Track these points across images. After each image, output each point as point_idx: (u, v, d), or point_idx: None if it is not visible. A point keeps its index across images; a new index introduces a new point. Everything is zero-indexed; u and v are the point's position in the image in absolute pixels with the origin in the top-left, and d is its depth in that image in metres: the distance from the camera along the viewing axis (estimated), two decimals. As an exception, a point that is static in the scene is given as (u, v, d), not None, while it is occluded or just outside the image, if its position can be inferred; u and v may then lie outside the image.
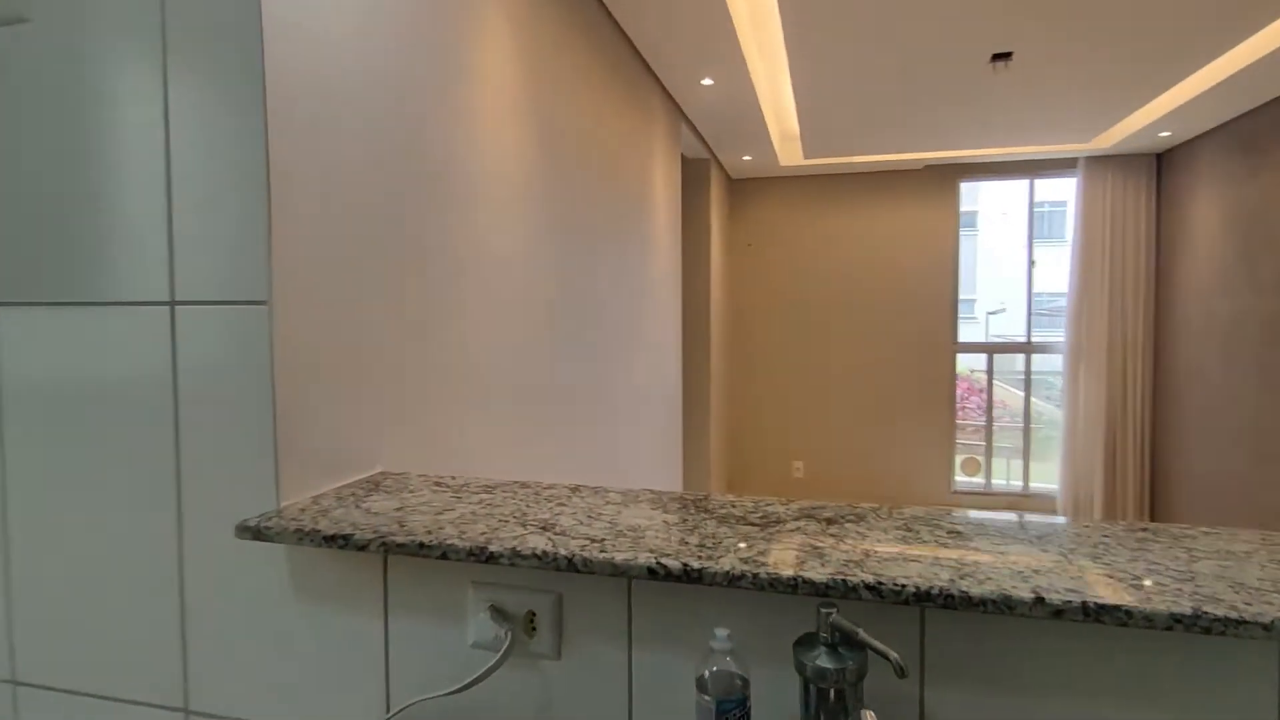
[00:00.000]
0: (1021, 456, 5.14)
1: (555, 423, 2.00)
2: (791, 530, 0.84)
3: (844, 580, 0.70)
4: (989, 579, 0.69)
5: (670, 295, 3.60)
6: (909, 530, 0.84)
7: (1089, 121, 3.96)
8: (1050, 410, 5.52)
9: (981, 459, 5.17)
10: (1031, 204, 5.02)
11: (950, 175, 4.99)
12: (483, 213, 1.57)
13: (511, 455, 1.72)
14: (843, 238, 5.22)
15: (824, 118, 3.77)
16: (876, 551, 0.77)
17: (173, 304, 0.95)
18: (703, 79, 3.09)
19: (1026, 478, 5.11)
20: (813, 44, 2.77)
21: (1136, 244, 4.57)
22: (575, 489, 1.04)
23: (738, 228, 5.40)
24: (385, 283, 1.18)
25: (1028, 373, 5.14)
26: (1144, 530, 0.85)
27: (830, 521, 0.88)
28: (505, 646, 0.83)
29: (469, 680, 0.82)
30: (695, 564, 0.74)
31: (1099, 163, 4.60)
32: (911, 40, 2.72)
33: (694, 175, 4.34)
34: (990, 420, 5.20)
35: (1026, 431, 5.14)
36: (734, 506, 0.93)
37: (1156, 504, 4.61)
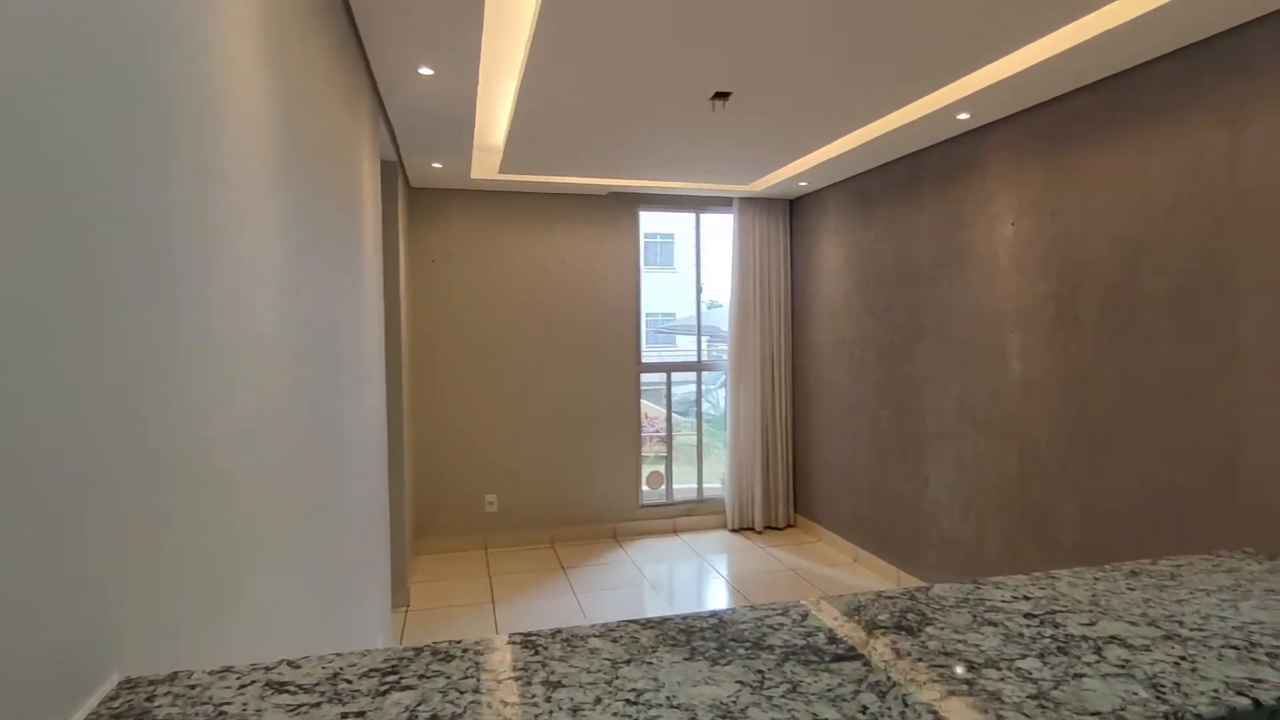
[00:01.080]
0: (696, 463, 5.63)
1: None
2: None
3: None
4: None
5: (378, 322, 3.03)
6: None
7: (756, 168, 4.52)
8: (718, 417, 6.19)
9: (663, 471, 5.53)
10: (698, 235, 5.56)
11: (631, 203, 5.25)
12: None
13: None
14: (532, 258, 5.11)
15: (537, 134, 3.60)
16: None
17: None
18: (422, 66, 2.66)
19: (700, 484, 5.61)
20: (556, 57, 2.57)
21: (779, 274, 5.38)
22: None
23: (417, 243, 4.91)
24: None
25: (699, 388, 5.67)
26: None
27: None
28: None
29: None
30: None
31: (749, 203, 5.31)
32: (647, 71, 2.71)
33: (385, 182, 3.78)
34: (670, 434, 5.60)
35: (699, 442, 5.65)
36: None
37: (798, 493, 5.45)
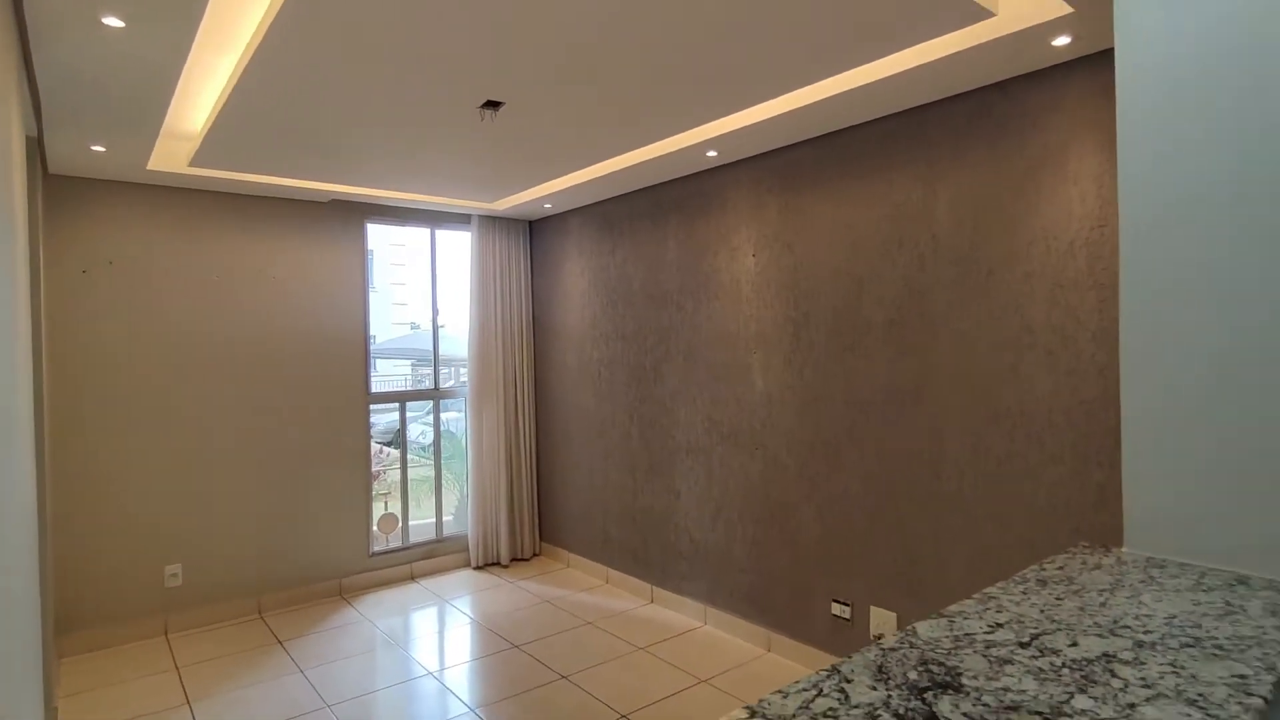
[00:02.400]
0: (434, 500, 5.20)
1: None
2: None
3: None
4: None
5: (24, 352, 2.21)
6: None
7: (503, 187, 4.34)
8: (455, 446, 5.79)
9: (398, 513, 5.00)
10: (434, 253, 5.17)
11: (357, 214, 4.69)
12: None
13: None
14: (232, 272, 4.26)
15: (252, 124, 2.98)
16: None
17: None
18: (107, 15, 2.01)
19: (439, 524, 5.19)
20: (304, 35, 2.13)
21: (520, 296, 5.25)
22: None
23: (62, 249, 3.77)
24: None
25: (436, 417, 5.26)
26: None
27: None
28: None
29: None
30: None
31: (489, 221, 5.10)
32: (413, 65, 2.40)
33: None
34: (405, 471, 5.08)
35: (438, 477, 5.23)
36: None
37: (544, 521, 5.35)
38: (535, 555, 5.34)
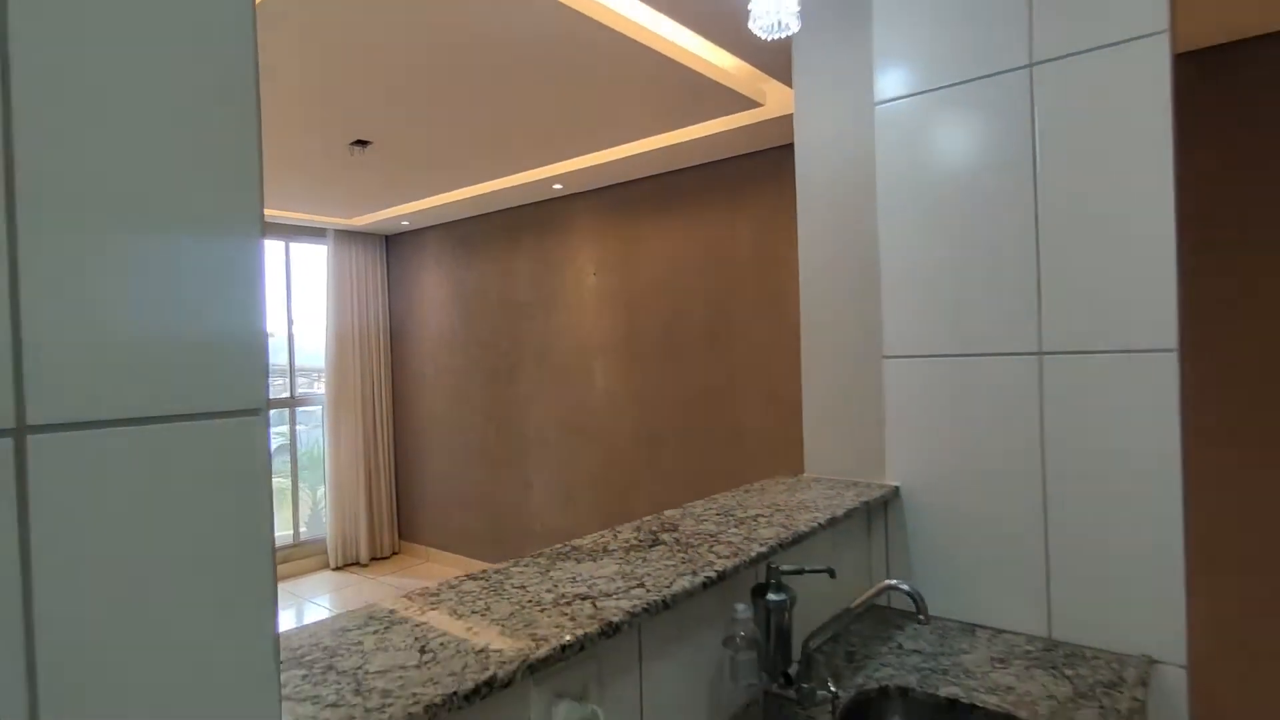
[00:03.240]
0: (290, 506, 5.32)
1: None
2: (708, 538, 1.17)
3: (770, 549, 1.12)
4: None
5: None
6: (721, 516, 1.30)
7: (359, 206, 4.63)
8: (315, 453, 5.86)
9: (253, 517, 5.07)
10: (288, 265, 5.31)
11: (210, 226, 4.76)
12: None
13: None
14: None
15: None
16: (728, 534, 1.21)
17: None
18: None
19: (296, 526, 5.31)
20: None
21: (376, 307, 5.51)
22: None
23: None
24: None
25: (292, 425, 5.38)
26: (780, 484, 1.55)
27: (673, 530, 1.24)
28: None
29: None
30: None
31: (345, 235, 5.33)
32: (285, 112, 2.75)
33: None
34: (261, 476, 5.16)
35: (294, 482, 5.35)
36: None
37: (403, 519, 5.62)
38: (395, 553, 5.59)
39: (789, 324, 3.41)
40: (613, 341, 4.15)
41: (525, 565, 1.06)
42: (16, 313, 0.34)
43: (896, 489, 1.57)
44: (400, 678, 0.69)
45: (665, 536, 1.23)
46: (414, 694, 0.66)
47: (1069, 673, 1.24)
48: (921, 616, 1.10)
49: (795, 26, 1.37)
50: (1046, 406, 1.40)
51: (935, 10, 1.50)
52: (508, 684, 0.71)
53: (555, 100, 2.77)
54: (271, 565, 0.44)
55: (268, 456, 0.44)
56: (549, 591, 0.94)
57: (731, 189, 3.62)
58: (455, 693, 0.66)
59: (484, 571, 1.04)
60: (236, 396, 0.42)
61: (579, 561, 1.07)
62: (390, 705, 0.64)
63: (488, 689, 0.69)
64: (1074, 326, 1.36)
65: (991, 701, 1.16)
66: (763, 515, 1.37)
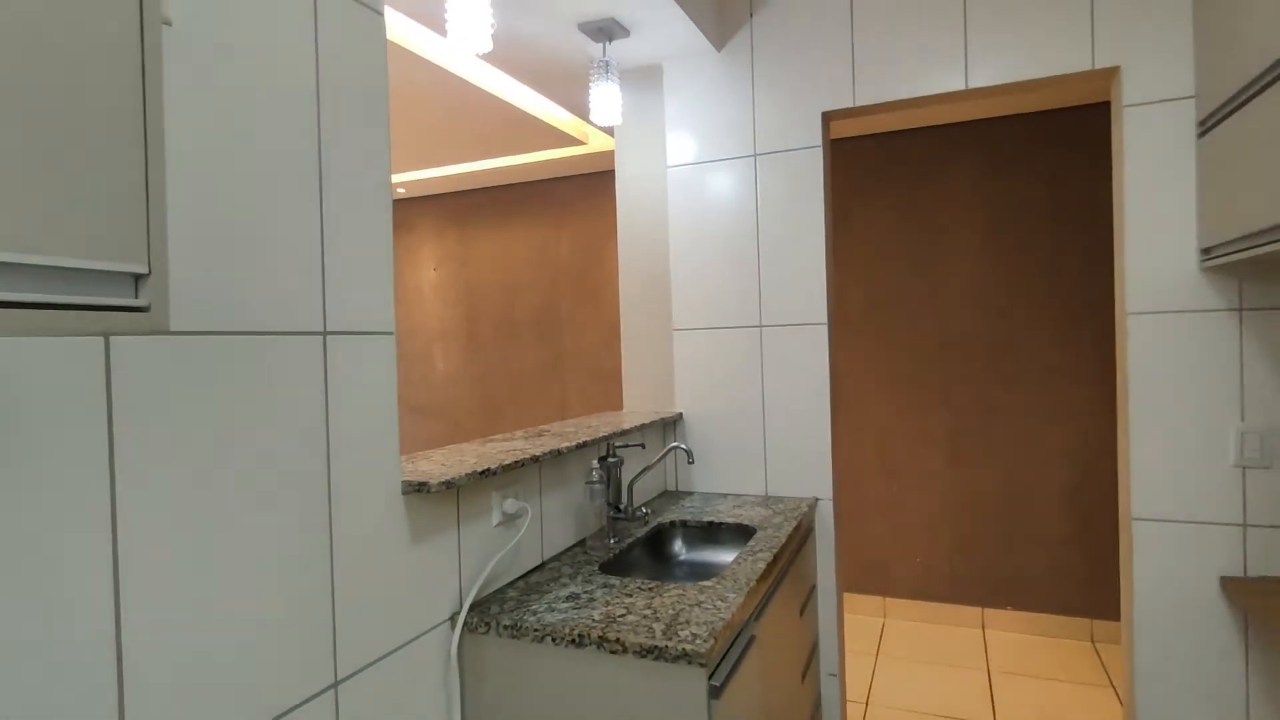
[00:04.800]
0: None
1: None
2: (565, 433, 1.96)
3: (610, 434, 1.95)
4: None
5: None
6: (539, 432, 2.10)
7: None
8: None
9: None
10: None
11: None
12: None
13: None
14: None
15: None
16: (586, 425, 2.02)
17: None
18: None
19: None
20: None
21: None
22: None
23: None
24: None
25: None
26: (610, 410, 2.38)
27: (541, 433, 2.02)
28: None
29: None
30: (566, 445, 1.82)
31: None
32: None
33: None
34: None
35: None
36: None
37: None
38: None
39: (605, 314, 4.27)
40: (451, 329, 4.74)
41: (468, 444, 1.77)
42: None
43: (680, 414, 2.46)
44: (440, 470, 1.40)
45: (547, 432, 1.99)
46: (455, 476, 1.37)
47: (776, 507, 2.19)
48: (691, 461, 1.96)
49: (619, 120, 2.19)
50: (765, 359, 2.35)
51: (701, 119, 2.41)
52: (480, 477, 1.45)
53: (396, 127, 3.36)
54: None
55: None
56: (487, 449, 1.66)
57: (558, 204, 4.40)
58: (460, 474, 1.39)
59: (447, 447, 1.74)
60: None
61: (505, 440, 1.80)
62: (447, 473, 1.34)
63: (474, 478, 1.42)
64: (778, 309, 2.33)
65: (731, 521, 2.07)
66: (604, 424, 2.18)
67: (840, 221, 3.59)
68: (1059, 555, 3.29)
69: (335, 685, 1.11)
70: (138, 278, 0.57)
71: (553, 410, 4.45)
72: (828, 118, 2.28)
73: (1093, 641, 3.23)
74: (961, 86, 2.09)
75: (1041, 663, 3.04)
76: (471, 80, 2.82)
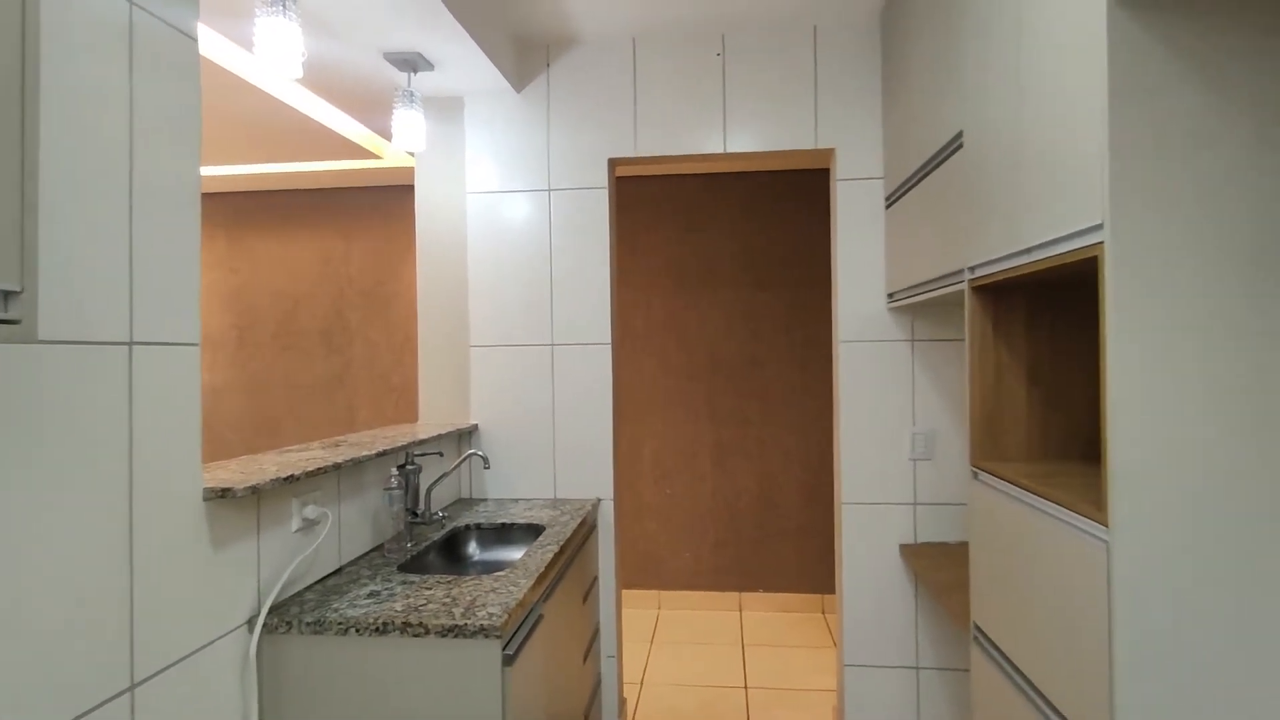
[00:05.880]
0: None
1: None
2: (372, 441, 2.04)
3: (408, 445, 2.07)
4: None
5: None
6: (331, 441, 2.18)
7: None
8: None
9: None
10: None
11: None
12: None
13: None
14: None
15: None
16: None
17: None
18: None
19: None
20: None
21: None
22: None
23: None
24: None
25: None
26: (407, 422, 2.47)
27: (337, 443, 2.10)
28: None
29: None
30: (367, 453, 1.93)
31: None
32: None
33: None
34: None
35: None
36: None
37: None
38: None
39: (398, 327, 4.25)
40: (220, 337, 4.39)
41: (264, 454, 1.78)
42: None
43: (476, 425, 2.61)
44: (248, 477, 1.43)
45: (344, 442, 2.04)
46: (260, 482, 1.41)
47: (563, 508, 2.42)
48: (487, 466, 2.13)
49: (423, 147, 2.31)
50: (556, 375, 2.59)
51: (501, 151, 2.60)
52: (284, 484, 1.51)
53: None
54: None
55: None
56: (285, 458, 1.70)
57: (348, 214, 4.30)
58: (265, 480, 1.44)
59: (241, 457, 1.73)
60: None
61: (302, 450, 1.83)
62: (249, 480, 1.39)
63: (278, 484, 1.48)
64: (568, 329, 2.58)
65: (523, 522, 2.26)
66: (403, 434, 2.26)
67: (627, 251, 3.98)
68: (799, 542, 3.92)
69: (132, 689, 1.13)
70: (7, 294, 0.65)
71: (339, 424, 4.30)
72: (613, 163, 2.60)
73: (823, 613, 3.88)
74: (721, 150, 2.52)
75: (784, 634, 3.60)
76: (250, 80, 2.74)
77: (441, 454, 2.16)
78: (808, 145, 2.49)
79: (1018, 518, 1.34)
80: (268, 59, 1.52)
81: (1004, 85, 1.38)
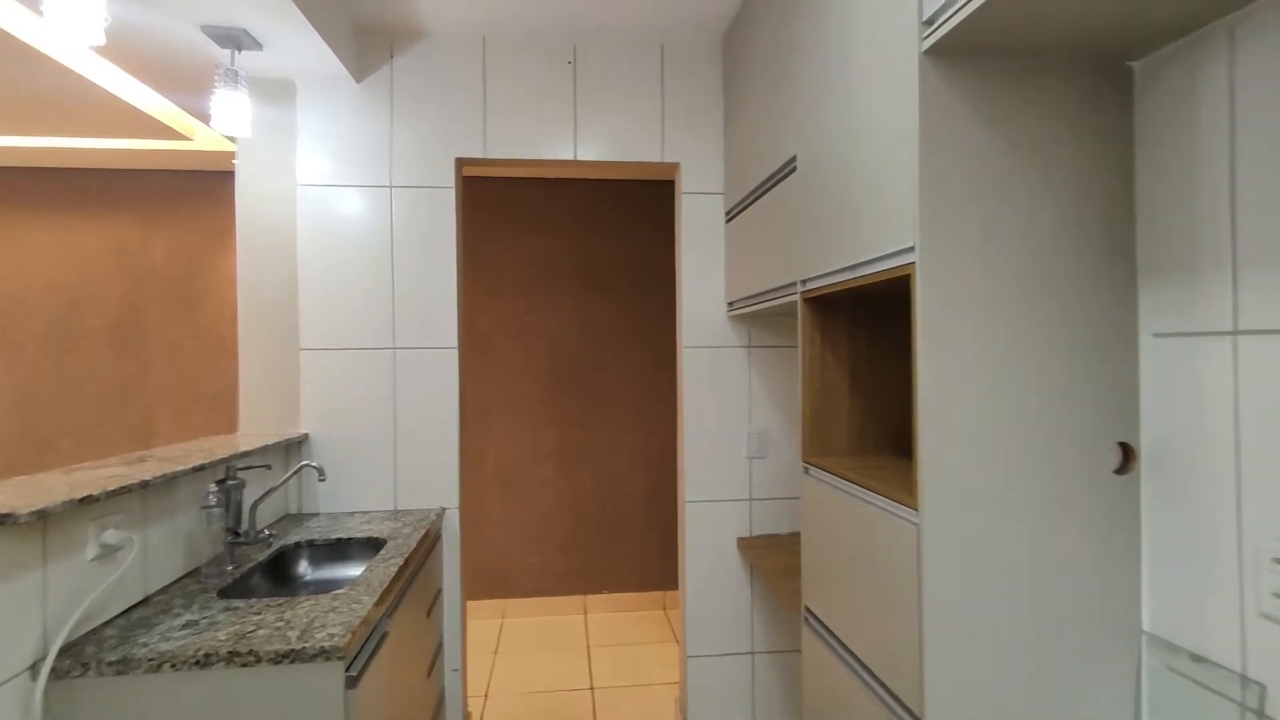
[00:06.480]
0: None
1: None
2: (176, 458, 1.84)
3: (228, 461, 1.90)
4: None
5: None
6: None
7: None
8: None
9: None
10: None
11: None
12: None
13: None
14: None
15: None
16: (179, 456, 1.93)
17: None
18: None
19: None
20: None
21: None
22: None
23: None
24: None
25: None
26: (225, 432, 2.24)
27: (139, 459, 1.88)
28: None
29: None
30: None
31: None
32: None
33: None
34: None
35: None
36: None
37: None
38: None
39: (209, 329, 3.83)
40: (-22, 338, 3.72)
41: (48, 474, 1.54)
42: None
43: (307, 435, 2.43)
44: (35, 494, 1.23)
45: (150, 457, 1.81)
46: (49, 505, 1.22)
47: (405, 519, 2.32)
48: (323, 478, 1.99)
49: (248, 133, 2.11)
50: (398, 380, 2.47)
51: (337, 143, 2.45)
52: (79, 505, 1.32)
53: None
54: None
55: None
56: (76, 477, 1.48)
57: (149, 200, 3.81)
58: (55, 503, 1.26)
59: (19, 478, 1.48)
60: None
61: (98, 468, 1.60)
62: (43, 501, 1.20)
63: (71, 506, 1.29)
64: (412, 333, 2.47)
65: (361, 536, 2.13)
66: (221, 447, 2.05)
67: (472, 254, 3.88)
68: (641, 542, 4.03)
69: (-127, 761, 0.93)
70: None
71: (135, 439, 3.79)
72: (460, 163, 2.54)
73: (664, 609, 4.01)
74: (571, 158, 2.54)
75: (628, 633, 3.68)
76: (30, 42, 2.37)
77: (270, 467, 1.98)
78: (654, 159, 2.58)
79: (844, 507, 1.48)
80: (59, 21, 1.32)
81: (833, 117, 1.53)
